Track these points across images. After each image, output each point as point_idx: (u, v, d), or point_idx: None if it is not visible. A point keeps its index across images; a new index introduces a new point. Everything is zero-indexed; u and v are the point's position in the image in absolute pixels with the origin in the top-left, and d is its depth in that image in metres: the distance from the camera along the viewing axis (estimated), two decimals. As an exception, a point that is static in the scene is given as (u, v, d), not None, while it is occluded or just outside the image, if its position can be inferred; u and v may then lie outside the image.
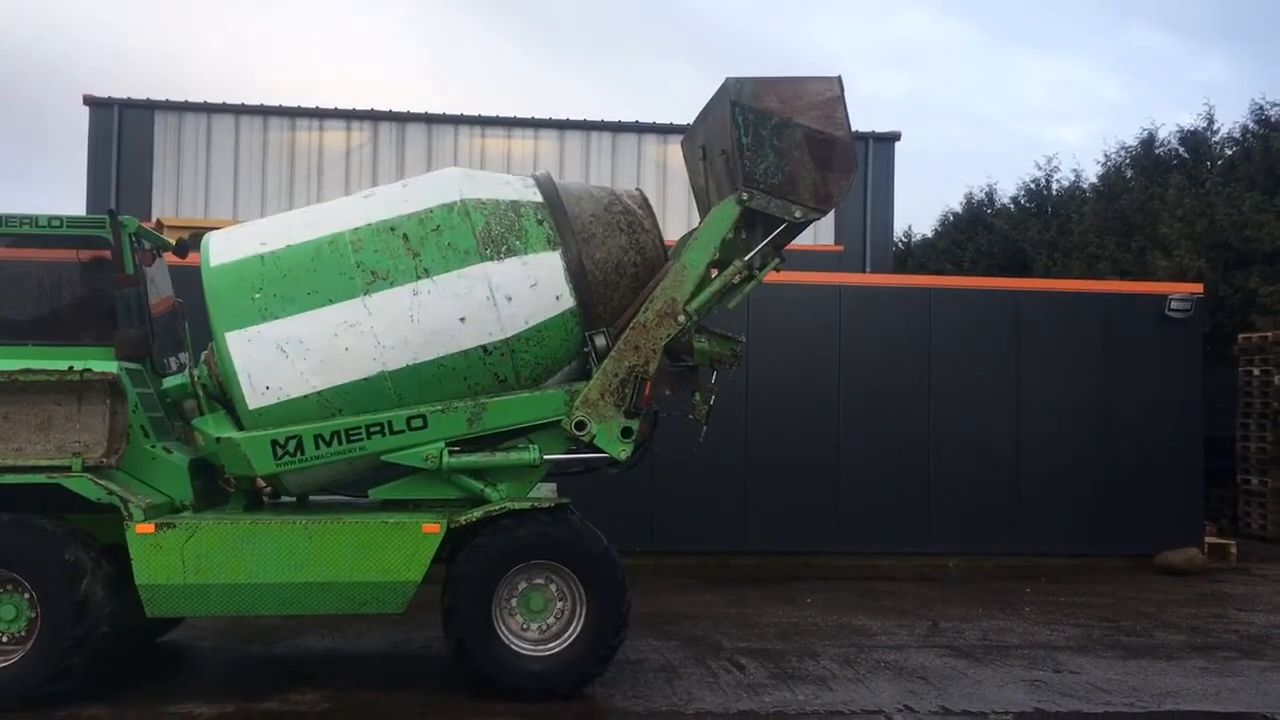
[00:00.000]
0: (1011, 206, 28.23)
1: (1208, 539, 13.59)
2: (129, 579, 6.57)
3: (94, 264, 7.32)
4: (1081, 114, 74.80)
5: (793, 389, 12.76)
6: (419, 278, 6.70)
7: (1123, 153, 24.10)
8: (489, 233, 6.76)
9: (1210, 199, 19.48)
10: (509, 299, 6.73)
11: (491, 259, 6.71)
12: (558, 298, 6.84)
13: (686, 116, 8.18)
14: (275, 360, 6.67)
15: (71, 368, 6.62)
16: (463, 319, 6.72)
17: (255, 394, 6.70)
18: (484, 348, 6.78)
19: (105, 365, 6.80)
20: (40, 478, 6.51)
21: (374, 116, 20.34)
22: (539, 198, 7.00)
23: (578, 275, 6.85)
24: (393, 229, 6.78)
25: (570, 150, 20.71)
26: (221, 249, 6.92)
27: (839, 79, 7.00)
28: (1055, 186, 27.30)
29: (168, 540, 6.52)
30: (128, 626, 6.96)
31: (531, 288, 6.77)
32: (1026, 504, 13.06)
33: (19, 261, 7.84)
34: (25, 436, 6.56)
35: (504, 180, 7.20)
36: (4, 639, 6.57)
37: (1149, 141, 23.47)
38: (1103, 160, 24.67)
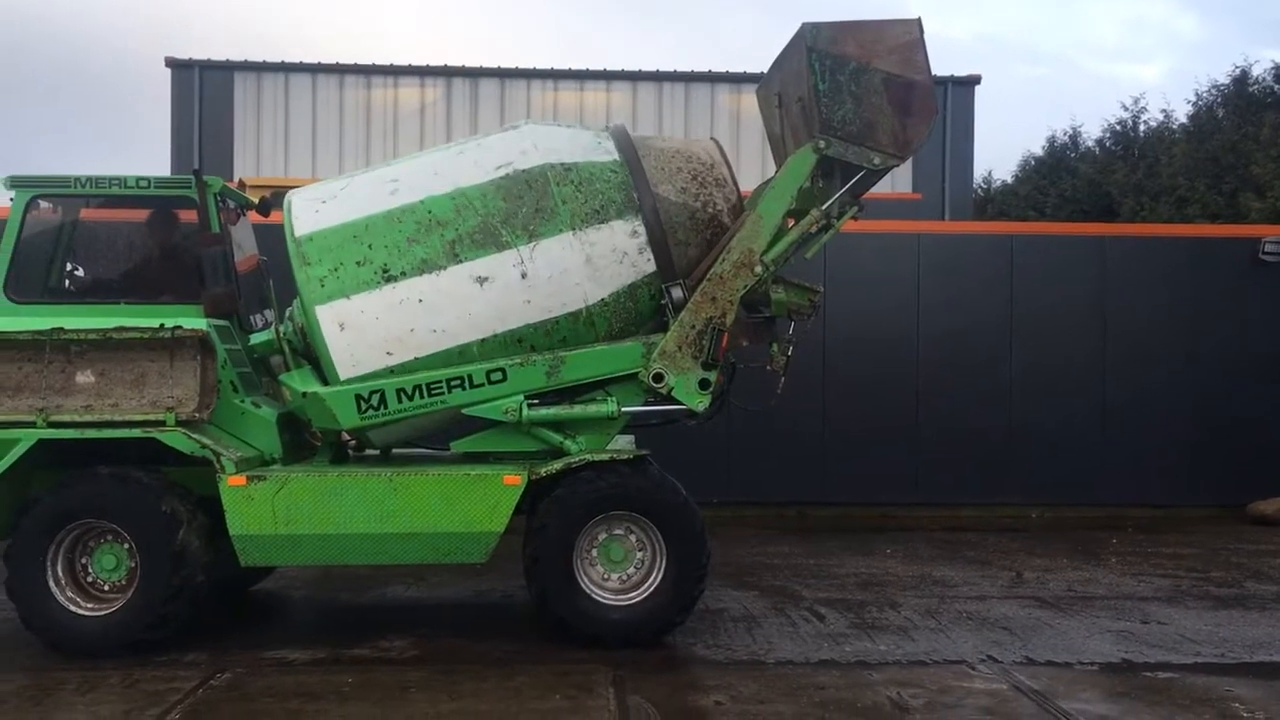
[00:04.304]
0: (1096, 149, 27.40)
1: (1302, 488, 13.25)
2: (222, 530, 6.76)
3: (182, 223, 7.49)
4: (1158, 52, 72.33)
5: (871, 339, 12.66)
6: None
7: (1214, 91, 23.20)
8: (610, 333, 7.04)
9: (1307, 137, 18.76)
10: None
11: None
12: None
13: (758, 65, 8.06)
14: None
15: (163, 325, 6.77)
16: None
17: None
18: None
19: (195, 322, 6.94)
20: (136, 432, 6.70)
21: (447, 73, 20.42)
22: (652, 264, 6.93)
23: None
24: (520, 340, 6.91)
25: (643, 102, 20.58)
26: (345, 355, 6.76)
27: (919, 21, 6.80)
28: (1142, 128, 26.45)
29: (259, 492, 6.70)
30: (222, 576, 7.17)
31: None
32: (1112, 453, 12.84)
33: (110, 222, 8.06)
34: (120, 392, 6.75)
35: (620, 252, 6.86)
36: (105, 587, 6.82)
37: (1242, 79, 22.56)
38: (1193, 99, 23.83)
